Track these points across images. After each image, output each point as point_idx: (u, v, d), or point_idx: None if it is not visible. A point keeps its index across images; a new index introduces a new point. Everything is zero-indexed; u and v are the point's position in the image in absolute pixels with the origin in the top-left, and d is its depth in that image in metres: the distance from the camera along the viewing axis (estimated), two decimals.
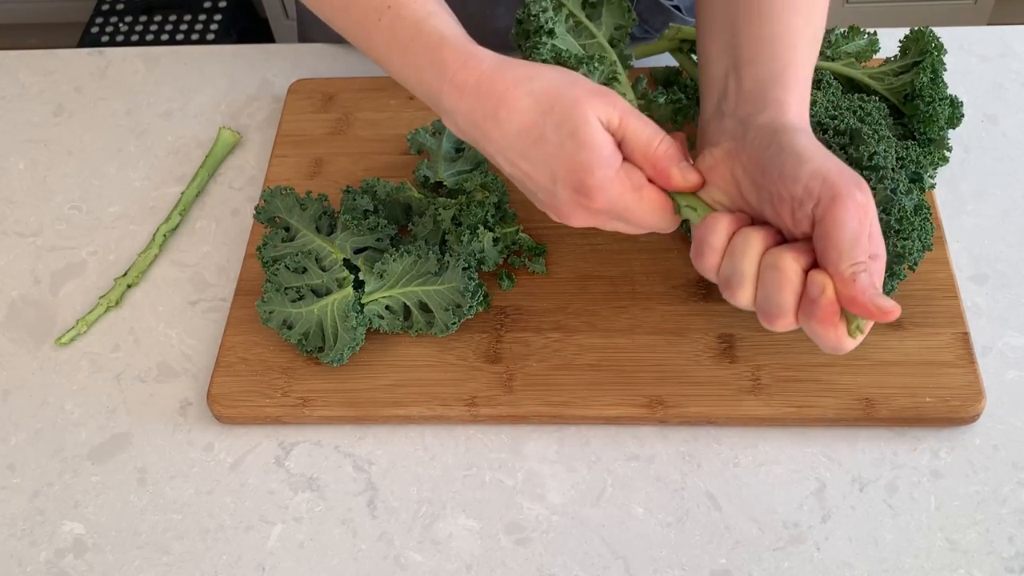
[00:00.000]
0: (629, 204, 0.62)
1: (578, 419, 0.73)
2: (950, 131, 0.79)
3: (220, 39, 2.09)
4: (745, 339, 0.74)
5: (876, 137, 0.68)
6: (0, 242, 0.88)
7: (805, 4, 0.65)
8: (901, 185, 0.67)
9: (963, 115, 0.79)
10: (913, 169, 0.72)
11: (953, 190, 0.84)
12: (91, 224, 0.89)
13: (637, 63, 0.91)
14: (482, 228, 0.77)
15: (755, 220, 0.61)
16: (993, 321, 0.76)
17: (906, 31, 0.80)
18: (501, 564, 0.68)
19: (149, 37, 2.10)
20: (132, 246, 0.87)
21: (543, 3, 0.75)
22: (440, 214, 0.78)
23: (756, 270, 0.58)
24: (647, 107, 0.83)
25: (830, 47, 0.82)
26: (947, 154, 0.79)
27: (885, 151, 0.67)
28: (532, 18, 0.75)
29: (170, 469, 0.74)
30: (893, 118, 0.78)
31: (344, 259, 0.77)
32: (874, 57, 0.83)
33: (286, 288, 0.75)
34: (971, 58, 0.94)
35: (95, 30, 2.12)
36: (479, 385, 0.73)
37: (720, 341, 0.74)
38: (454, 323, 0.74)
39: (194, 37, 2.09)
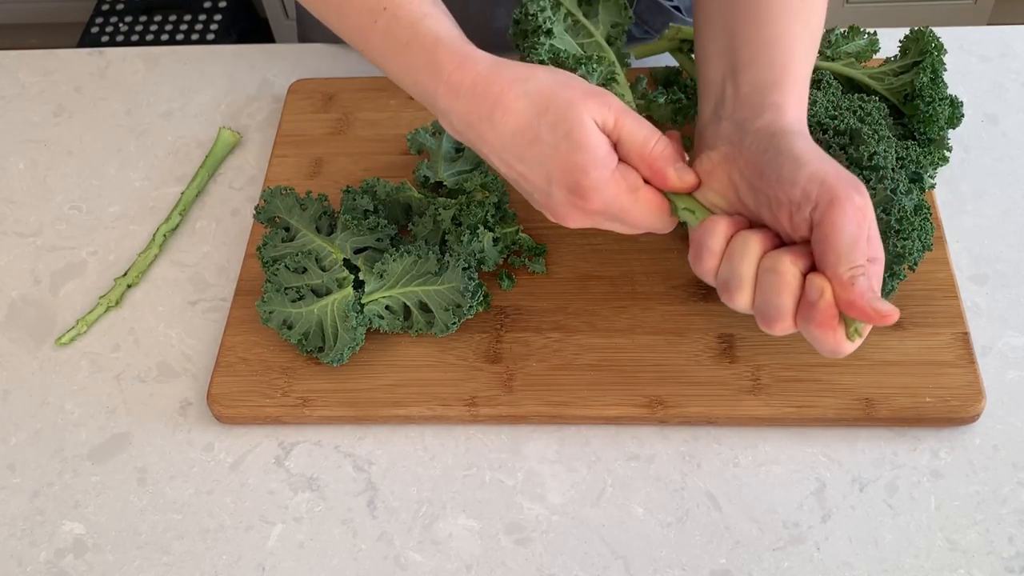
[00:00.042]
0: (625, 205, 0.61)
1: (578, 419, 0.73)
2: (950, 131, 0.79)
3: (220, 39, 2.09)
4: (745, 339, 0.74)
5: (876, 137, 0.68)
6: (0, 242, 0.88)
7: (803, 7, 0.65)
8: (901, 185, 0.67)
9: (963, 115, 0.79)
10: (913, 169, 0.72)
11: (953, 190, 0.84)
12: (91, 224, 0.89)
13: (637, 63, 0.91)
14: (482, 228, 0.77)
15: (753, 224, 0.60)
16: (993, 321, 0.76)
17: (906, 31, 0.80)
18: (501, 564, 0.68)
19: (149, 37, 2.10)
20: (132, 246, 0.87)
21: (541, 3, 0.75)
22: (440, 214, 0.78)
23: (754, 273, 0.58)
24: (647, 107, 0.83)
25: (830, 47, 0.82)
26: (947, 154, 0.78)
27: (885, 151, 0.67)
28: (530, 18, 0.75)
29: (170, 469, 0.74)
30: (893, 118, 0.78)
31: (344, 259, 0.77)
32: (874, 57, 0.83)
33: (286, 288, 0.75)
34: (971, 58, 0.94)
35: (95, 30, 2.12)
36: (479, 385, 0.73)
37: (720, 341, 0.74)
38: (454, 323, 0.74)
39: (194, 37, 2.09)
